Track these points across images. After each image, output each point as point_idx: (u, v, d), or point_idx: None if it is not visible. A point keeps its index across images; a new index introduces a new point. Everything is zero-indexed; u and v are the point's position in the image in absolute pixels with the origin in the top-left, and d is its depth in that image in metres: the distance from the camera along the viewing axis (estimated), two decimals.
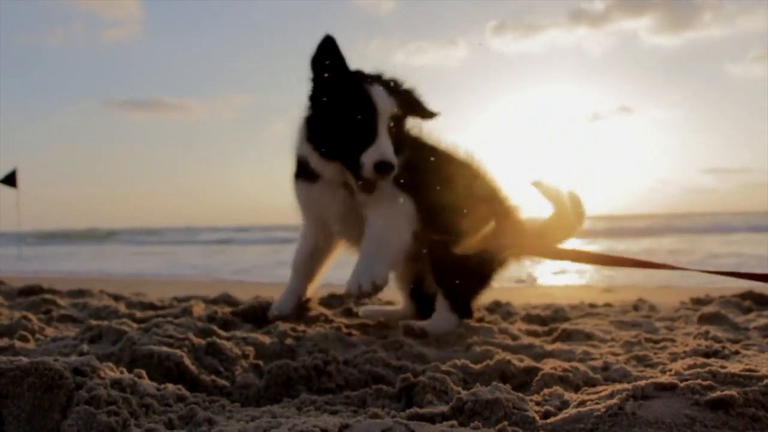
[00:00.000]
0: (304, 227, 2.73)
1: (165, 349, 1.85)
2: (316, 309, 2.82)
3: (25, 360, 1.43)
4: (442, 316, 2.54)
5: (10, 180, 12.31)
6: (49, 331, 2.49)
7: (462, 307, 2.60)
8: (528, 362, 1.92)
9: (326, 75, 2.29)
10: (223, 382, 1.80)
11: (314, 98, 2.37)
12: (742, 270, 2.12)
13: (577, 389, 1.65)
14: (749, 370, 1.42)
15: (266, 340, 2.19)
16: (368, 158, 2.21)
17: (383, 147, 2.21)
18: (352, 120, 2.24)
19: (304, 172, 2.49)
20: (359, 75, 2.34)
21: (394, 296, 3.37)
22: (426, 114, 2.47)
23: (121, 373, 1.57)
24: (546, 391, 1.56)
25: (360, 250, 2.45)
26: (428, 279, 2.64)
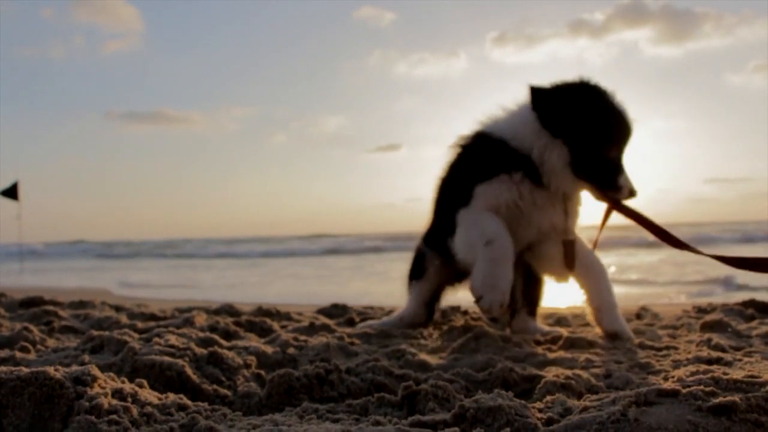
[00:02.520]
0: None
1: (166, 359, 1.85)
2: None
3: (25, 370, 1.42)
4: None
5: (12, 193, 12.35)
6: (51, 342, 2.49)
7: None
8: (530, 370, 1.92)
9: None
10: (225, 391, 1.80)
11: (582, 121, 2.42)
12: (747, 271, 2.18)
13: (579, 396, 1.64)
14: (752, 376, 1.42)
15: (268, 349, 2.19)
16: (625, 183, 2.48)
17: (629, 173, 2.51)
18: (622, 147, 2.48)
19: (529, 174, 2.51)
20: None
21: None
22: None
23: (123, 383, 1.56)
24: (548, 398, 1.55)
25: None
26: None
